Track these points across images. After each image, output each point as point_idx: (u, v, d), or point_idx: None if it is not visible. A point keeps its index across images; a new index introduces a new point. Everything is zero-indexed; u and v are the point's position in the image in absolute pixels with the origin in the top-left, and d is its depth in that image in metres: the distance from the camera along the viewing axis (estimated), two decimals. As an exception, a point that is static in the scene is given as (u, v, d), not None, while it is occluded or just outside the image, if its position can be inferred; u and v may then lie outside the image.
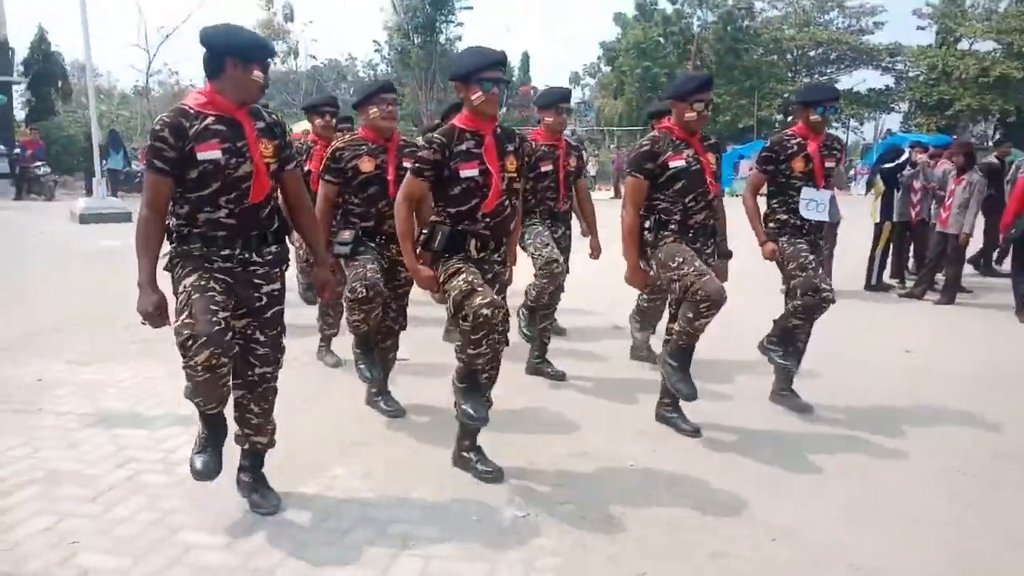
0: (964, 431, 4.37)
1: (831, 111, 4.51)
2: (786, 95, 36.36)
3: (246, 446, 3.20)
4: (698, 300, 3.79)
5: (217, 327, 2.74)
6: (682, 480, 3.61)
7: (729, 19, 36.19)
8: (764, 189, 4.55)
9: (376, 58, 42.75)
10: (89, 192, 18.13)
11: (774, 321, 4.60)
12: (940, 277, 8.37)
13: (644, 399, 4.60)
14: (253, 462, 3.23)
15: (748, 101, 35.79)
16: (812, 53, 38.69)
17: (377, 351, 4.22)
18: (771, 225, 4.51)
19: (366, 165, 4.03)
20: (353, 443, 3.95)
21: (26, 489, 3.35)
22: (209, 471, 3.06)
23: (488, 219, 3.37)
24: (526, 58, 55.73)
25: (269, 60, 2.93)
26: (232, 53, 2.80)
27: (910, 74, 37.23)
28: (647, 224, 4.02)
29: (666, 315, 4.35)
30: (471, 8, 35.58)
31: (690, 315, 3.88)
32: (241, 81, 2.82)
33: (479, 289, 3.24)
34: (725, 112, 36.34)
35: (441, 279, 3.37)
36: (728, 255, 4.23)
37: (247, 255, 2.92)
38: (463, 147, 3.30)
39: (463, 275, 3.29)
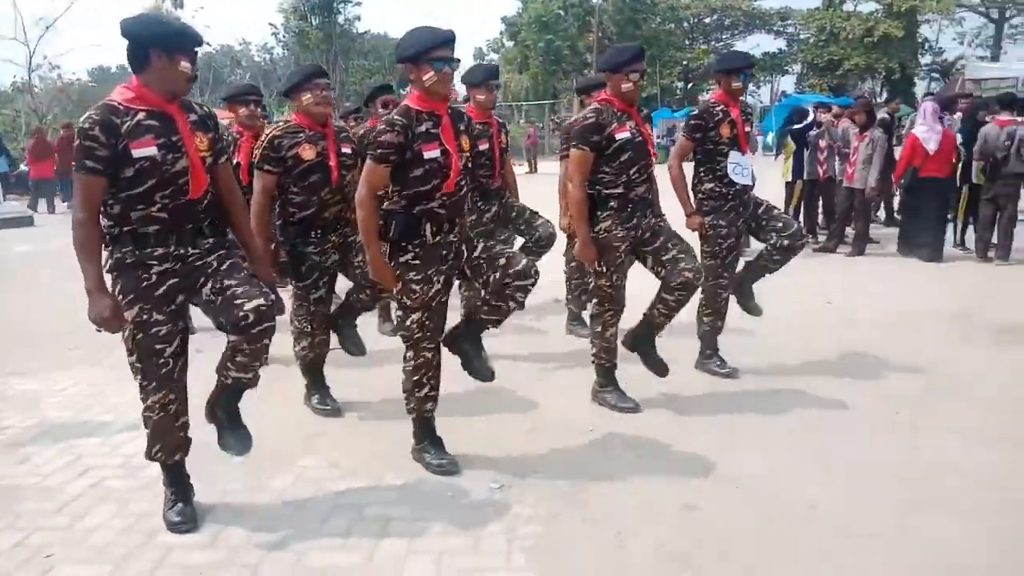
0: (892, 373, 4.70)
1: (749, 77, 4.70)
2: (685, 63, 37.27)
3: (228, 381, 3.00)
4: (604, 310, 4.08)
5: (165, 369, 2.81)
6: (641, 443, 3.78)
7: (627, -11, 36.67)
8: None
9: (272, 42, 41.67)
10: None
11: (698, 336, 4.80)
12: (849, 230, 8.86)
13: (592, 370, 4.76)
14: (232, 397, 3.07)
15: (650, 70, 36.41)
16: (707, 20, 39.70)
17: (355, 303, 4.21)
18: (699, 195, 4.60)
19: (307, 153, 3.91)
20: (314, 434, 3.97)
21: (-15, 508, 3.24)
22: (188, 520, 3.03)
23: (445, 199, 3.29)
24: (427, 35, 55.27)
25: (196, 49, 2.79)
26: (156, 44, 2.67)
27: (801, 37, 38.61)
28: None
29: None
30: (368, -14, 34.91)
31: (598, 328, 4.14)
32: (168, 73, 2.70)
33: (418, 336, 3.37)
34: (628, 81, 36.97)
35: (399, 275, 3.33)
36: (662, 216, 4.22)
37: (182, 250, 2.80)
38: (422, 128, 3.22)
39: (417, 315, 3.34)
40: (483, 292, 3.46)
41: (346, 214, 4.06)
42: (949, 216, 8.65)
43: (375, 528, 3.03)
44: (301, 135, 3.94)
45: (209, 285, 2.83)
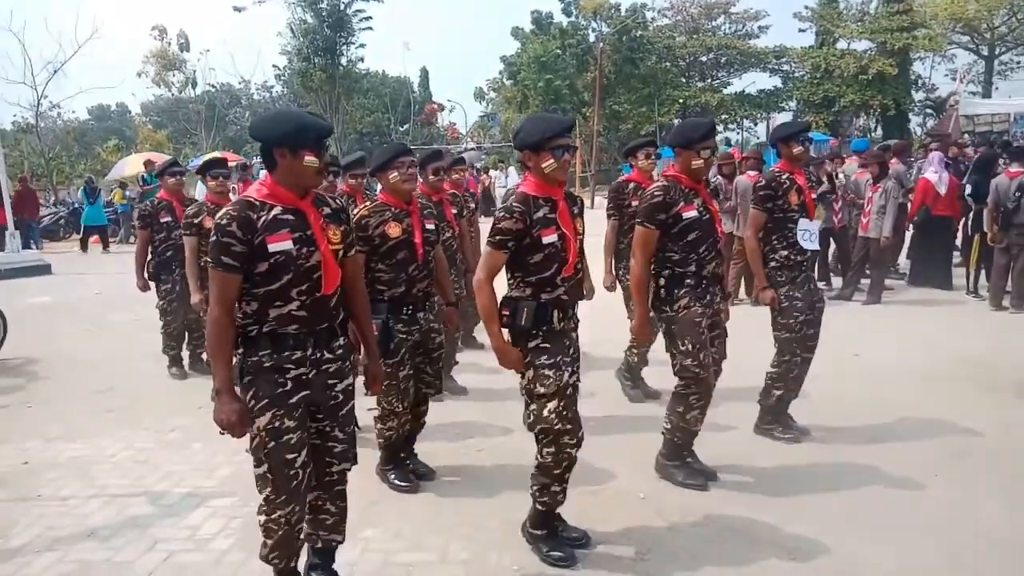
0: (926, 433, 4.80)
1: (809, 141, 4.71)
2: (682, 100, 37.69)
3: (318, 545, 3.07)
4: (689, 393, 3.95)
5: (295, 481, 2.74)
6: (693, 510, 3.86)
7: (624, 29, 37.23)
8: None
9: (272, 80, 42.10)
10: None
11: (759, 403, 4.82)
12: (865, 279, 9.01)
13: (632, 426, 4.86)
14: (325, 559, 3.12)
15: (648, 108, 36.91)
16: (703, 59, 40.17)
17: (412, 415, 4.20)
18: (772, 263, 4.59)
19: (394, 230, 3.95)
20: (372, 503, 4.03)
21: (62, 585, 3.31)
22: None
23: (567, 284, 3.29)
24: (425, 74, 55.84)
25: (324, 140, 2.76)
26: (279, 143, 2.69)
27: (796, 74, 39.10)
28: (661, 280, 3.98)
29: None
30: (372, 29, 35.40)
31: (679, 409, 4.01)
32: (295, 169, 2.70)
33: (569, 428, 3.25)
34: (627, 119, 37.42)
35: (530, 376, 3.26)
36: (727, 296, 4.30)
37: (319, 354, 2.78)
38: (540, 214, 3.22)
39: (554, 403, 3.23)
40: None
41: (432, 291, 4.14)
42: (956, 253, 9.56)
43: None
44: (387, 213, 3.99)
45: (322, 419, 2.85)
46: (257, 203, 2.70)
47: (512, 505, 3.74)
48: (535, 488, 3.39)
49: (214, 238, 2.64)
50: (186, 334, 6.62)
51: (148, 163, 18.61)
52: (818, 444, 4.68)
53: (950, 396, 5.47)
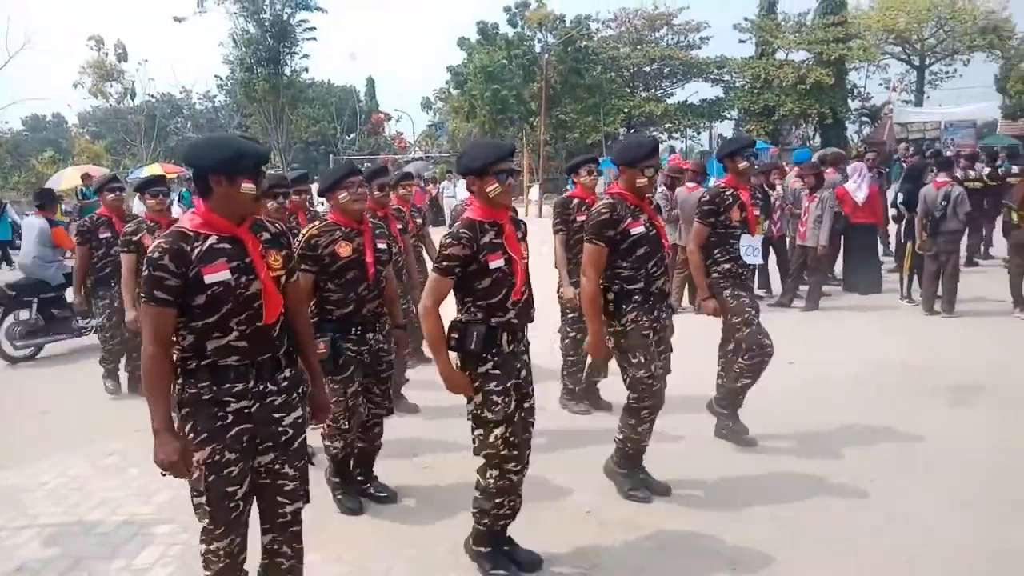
0: (859, 438, 4.93)
1: (754, 156, 4.81)
2: (627, 110, 38.19)
3: None
4: (641, 407, 3.96)
5: (235, 513, 2.62)
6: (637, 523, 3.91)
7: (569, 40, 37.58)
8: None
9: (214, 90, 41.45)
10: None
11: (718, 384, 4.91)
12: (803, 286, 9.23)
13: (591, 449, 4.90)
14: None
15: (594, 117, 37.30)
16: (647, 69, 40.77)
17: (366, 439, 4.18)
18: (715, 274, 4.70)
19: (344, 250, 3.89)
20: (314, 523, 3.98)
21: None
22: None
23: (516, 307, 3.29)
24: (371, 83, 55.57)
25: (261, 166, 2.67)
26: (214, 170, 2.57)
27: (737, 84, 39.94)
28: (609, 295, 3.98)
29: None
30: (315, 39, 35.13)
31: (631, 422, 4.02)
32: (231, 196, 2.59)
33: (515, 453, 3.27)
34: (574, 129, 37.75)
35: (479, 401, 3.25)
36: (673, 311, 4.30)
37: (261, 387, 2.66)
38: (486, 239, 3.23)
39: (501, 429, 3.23)
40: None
41: (383, 310, 4.11)
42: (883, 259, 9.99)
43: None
44: (337, 232, 3.95)
45: (270, 457, 2.71)
46: (191, 233, 2.58)
47: (459, 525, 3.73)
48: (475, 510, 3.39)
49: (146, 272, 2.51)
50: (123, 352, 6.46)
51: (86, 176, 18.11)
52: (760, 454, 4.77)
53: (887, 402, 5.63)
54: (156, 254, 2.51)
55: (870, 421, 5.21)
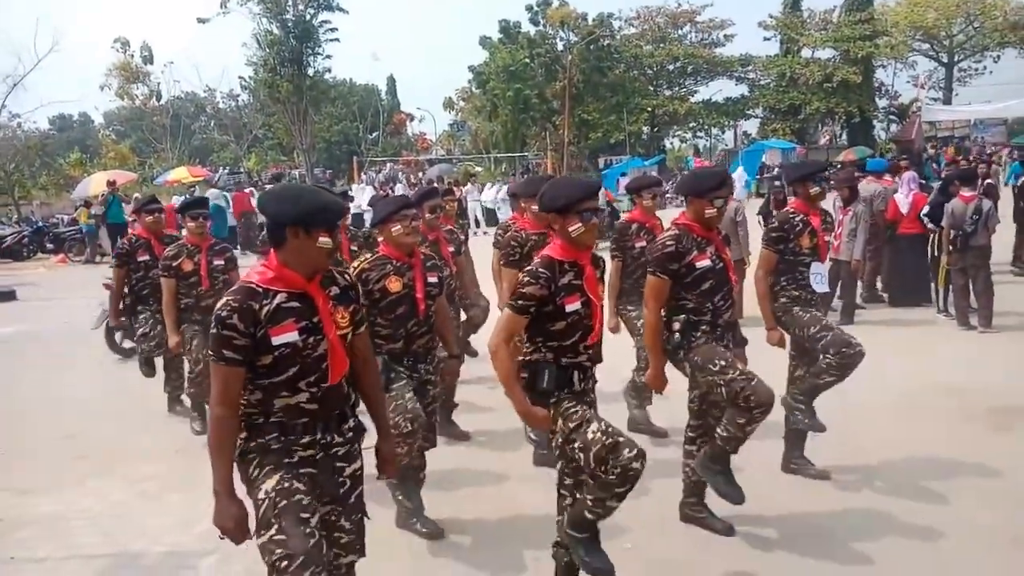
0: (903, 464, 4.85)
1: (825, 181, 4.64)
2: (651, 109, 38.03)
3: None
4: (751, 406, 3.67)
5: (312, 541, 2.45)
6: (678, 562, 3.85)
7: (592, 39, 37.45)
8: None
9: (237, 88, 41.70)
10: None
11: (797, 378, 4.65)
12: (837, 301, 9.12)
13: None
14: None
15: (617, 116, 37.18)
16: (671, 67, 40.59)
17: (409, 472, 4.11)
18: (782, 300, 4.55)
19: (394, 285, 3.86)
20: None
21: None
22: None
23: (590, 351, 3.21)
24: (392, 82, 55.73)
25: (338, 221, 2.61)
26: (292, 222, 2.50)
27: (762, 82, 39.65)
28: (675, 326, 3.86)
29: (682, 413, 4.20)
30: (338, 40, 35.22)
31: (741, 421, 3.73)
32: (306, 250, 2.52)
33: (621, 440, 3.04)
34: (597, 128, 37.67)
35: (560, 424, 3.13)
36: (744, 342, 4.15)
37: (329, 438, 2.63)
38: (565, 280, 3.11)
39: (594, 425, 3.08)
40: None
41: (433, 345, 4.05)
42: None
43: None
44: (388, 266, 3.90)
45: (328, 509, 2.65)
46: (259, 290, 2.51)
47: (505, 561, 3.69)
48: (591, 498, 3.14)
49: (214, 330, 2.47)
50: (162, 367, 6.42)
51: (111, 183, 18.37)
52: (811, 486, 4.66)
53: (925, 425, 5.53)
54: (224, 312, 2.46)
55: (907, 447, 5.10)
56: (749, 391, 3.63)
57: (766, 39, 40.30)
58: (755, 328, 4.64)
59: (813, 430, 4.70)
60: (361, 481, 2.78)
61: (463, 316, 6.40)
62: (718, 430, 3.86)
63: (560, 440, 3.16)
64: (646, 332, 3.95)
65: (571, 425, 3.10)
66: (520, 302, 3.09)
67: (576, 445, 3.08)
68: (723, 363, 3.74)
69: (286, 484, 2.50)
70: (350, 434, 2.72)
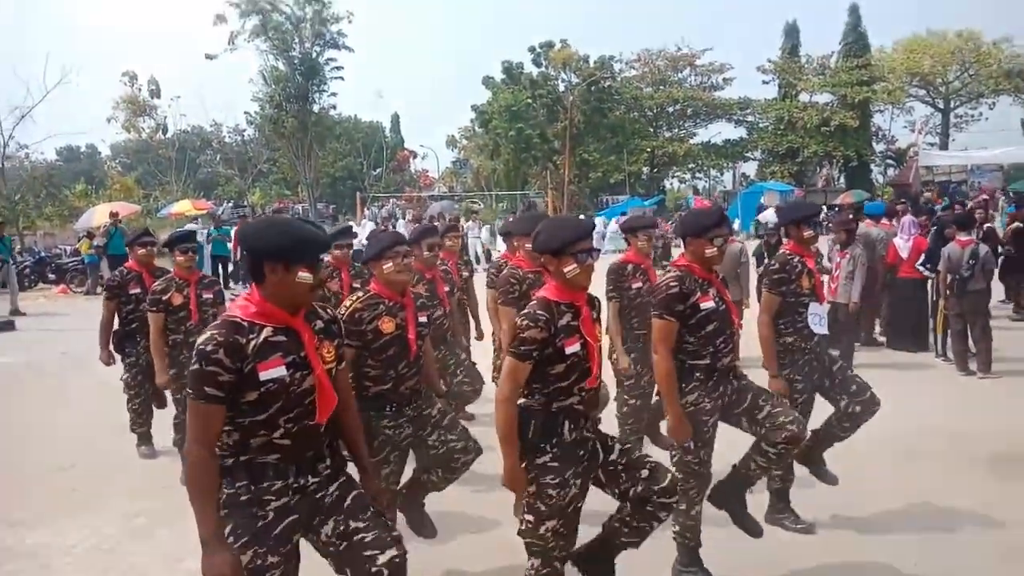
0: (900, 515, 4.81)
1: (819, 224, 4.68)
2: (650, 149, 38.39)
3: None
4: (689, 486, 3.74)
5: None
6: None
7: (593, 81, 37.94)
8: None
9: (243, 123, 42.15)
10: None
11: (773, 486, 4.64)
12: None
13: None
14: None
15: (617, 157, 37.53)
16: (670, 109, 41.12)
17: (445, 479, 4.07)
18: (784, 341, 4.46)
19: (387, 326, 3.72)
20: None
21: None
22: None
23: (583, 393, 3.11)
24: (396, 119, 56.35)
25: (321, 255, 2.54)
26: (271, 256, 2.43)
27: (760, 125, 40.10)
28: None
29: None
30: (343, 79, 35.71)
31: (683, 506, 3.74)
32: (286, 285, 2.45)
33: (557, 559, 3.09)
34: (597, 168, 38.00)
35: (532, 489, 3.05)
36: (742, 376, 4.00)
37: (302, 480, 2.52)
38: (563, 321, 3.03)
39: (553, 523, 3.04)
40: (618, 502, 3.26)
41: (421, 387, 3.92)
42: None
43: None
44: (381, 306, 3.77)
45: (331, 525, 2.54)
46: (244, 324, 2.43)
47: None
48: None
49: (196, 366, 2.35)
50: (153, 410, 6.38)
51: (113, 214, 18.48)
52: (803, 538, 4.60)
53: (922, 474, 5.49)
54: (209, 347, 2.35)
55: (906, 496, 5.05)
56: (692, 474, 3.75)
57: (764, 83, 40.94)
58: (751, 369, 4.62)
59: (790, 527, 4.64)
60: (352, 484, 2.68)
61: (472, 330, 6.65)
62: (672, 528, 3.89)
63: (526, 503, 3.12)
64: (660, 379, 3.80)
65: (540, 506, 3.04)
66: (523, 348, 3.00)
67: (529, 519, 3.08)
68: (691, 444, 3.74)
69: (259, 561, 2.43)
70: (327, 472, 2.61)
